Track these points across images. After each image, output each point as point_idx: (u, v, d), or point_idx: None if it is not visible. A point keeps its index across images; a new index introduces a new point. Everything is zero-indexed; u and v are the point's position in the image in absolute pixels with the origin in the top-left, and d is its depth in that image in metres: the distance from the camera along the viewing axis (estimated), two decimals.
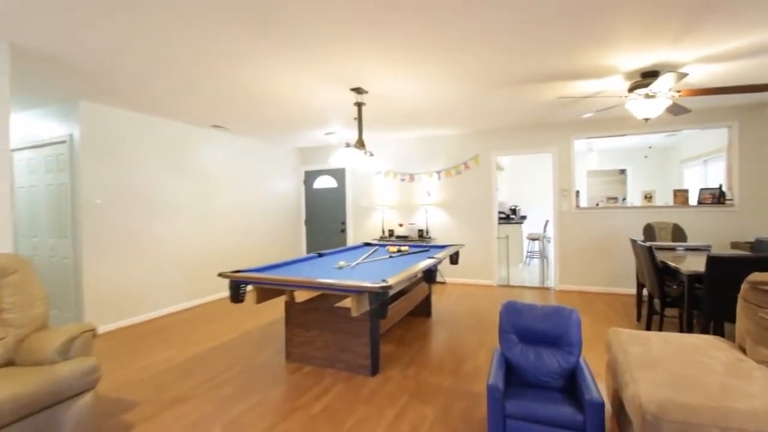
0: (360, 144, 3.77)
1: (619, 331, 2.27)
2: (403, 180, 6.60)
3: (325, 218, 7.27)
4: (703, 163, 6.59)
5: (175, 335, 3.97)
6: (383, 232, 6.69)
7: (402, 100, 4.20)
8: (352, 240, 7.01)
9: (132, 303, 4.42)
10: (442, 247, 4.56)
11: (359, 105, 3.82)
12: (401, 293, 3.70)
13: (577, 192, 5.61)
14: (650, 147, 8.18)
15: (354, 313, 2.49)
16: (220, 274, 2.91)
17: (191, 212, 5.21)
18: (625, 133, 5.30)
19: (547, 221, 8.30)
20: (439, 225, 6.36)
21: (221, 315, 4.67)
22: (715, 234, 4.92)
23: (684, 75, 2.81)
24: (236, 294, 2.88)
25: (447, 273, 6.35)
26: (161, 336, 3.96)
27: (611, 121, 5.36)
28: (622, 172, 9.19)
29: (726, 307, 2.75)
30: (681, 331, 3.23)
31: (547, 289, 5.73)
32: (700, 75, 3.53)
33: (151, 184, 4.67)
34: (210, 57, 2.95)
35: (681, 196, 5.16)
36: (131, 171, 4.46)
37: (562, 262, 5.64)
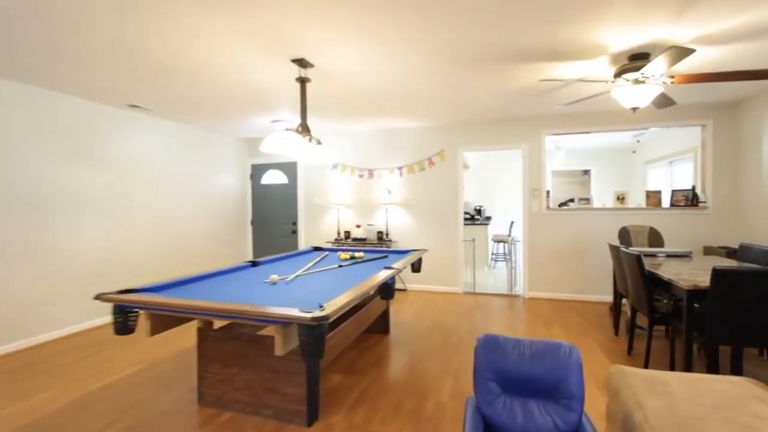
0: (304, 129, 3.08)
1: (626, 371, 1.75)
2: (361, 176, 5.95)
3: (274, 218, 6.48)
4: (669, 164, 6.45)
5: (59, 369, 3.08)
6: (339, 233, 6.00)
7: (355, 79, 3.55)
8: (304, 243, 6.27)
9: (6, 326, 3.47)
10: (404, 252, 3.96)
11: (303, 81, 3.12)
12: (351, 311, 3.05)
13: (548, 192, 5.21)
14: (634, 150, 8.03)
15: (278, 351, 1.81)
16: (97, 297, 2.12)
17: (101, 211, 4.28)
18: (599, 130, 4.95)
19: (512, 222, 7.96)
20: (401, 226, 5.77)
21: (125, 340, 3.81)
22: (688, 238, 4.66)
23: (689, 51, 2.36)
24: (123, 324, 2.10)
25: (408, 279, 5.78)
26: (40, 370, 3.07)
27: (585, 117, 4.99)
28: (586, 172, 9.06)
29: (734, 329, 2.32)
30: (672, 353, 2.81)
31: (516, 296, 5.29)
32: (691, 61, 3.14)
33: (41, 177, 3.72)
34: (104, 8, 2.16)
35: (654, 197, 4.87)
36: (11, 160, 3.50)
37: (532, 267, 5.23)
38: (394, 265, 2.97)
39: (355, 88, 3.78)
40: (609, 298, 4.93)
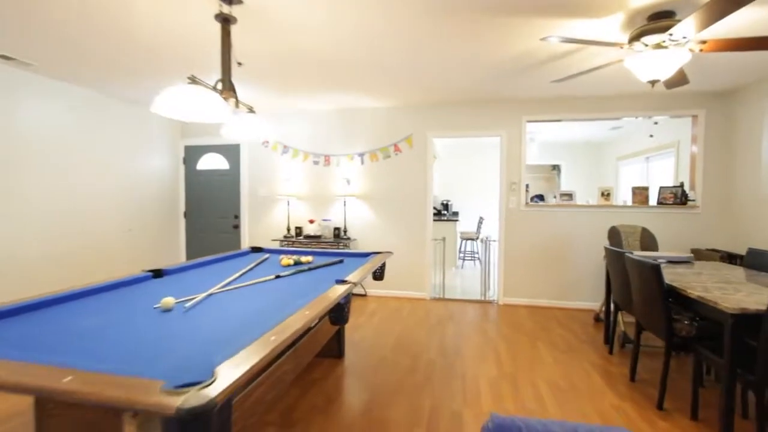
0: (226, 89, 2.21)
1: None
2: (316, 163, 5.10)
3: (212, 210, 5.49)
4: (645, 160, 6.12)
5: None
6: (289, 230, 5.13)
7: (297, 28, 2.71)
8: (247, 240, 5.34)
9: None
10: (364, 256, 3.20)
11: (225, 20, 2.24)
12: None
13: (527, 186, 4.64)
14: (586, 142, 7.70)
15: None
16: None
17: None
18: (585, 117, 4.43)
19: (480, 219, 7.43)
20: (361, 222, 5.00)
21: None
22: (676, 240, 4.26)
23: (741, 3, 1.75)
24: None
25: (370, 283, 5.03)
26: None
27: (570, 102, 4.44)
28: (554, 167, 8.72)
29: None
30: (695, 391, 2.26)
31: (490, 302, 4.70)
32: (720, 27, 2.59)
33: None
34: None
35: (641, 194, 4.43)
36: None
37: (508, 269, 4.65)
38: (348, 278, 2.20)
39: (299, 43, 2.94)
40: (591, 304, 4.45)
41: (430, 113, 4.78)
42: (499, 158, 4.65)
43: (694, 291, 2.15)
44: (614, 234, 3.85)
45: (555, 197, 4.67)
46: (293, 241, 4.88)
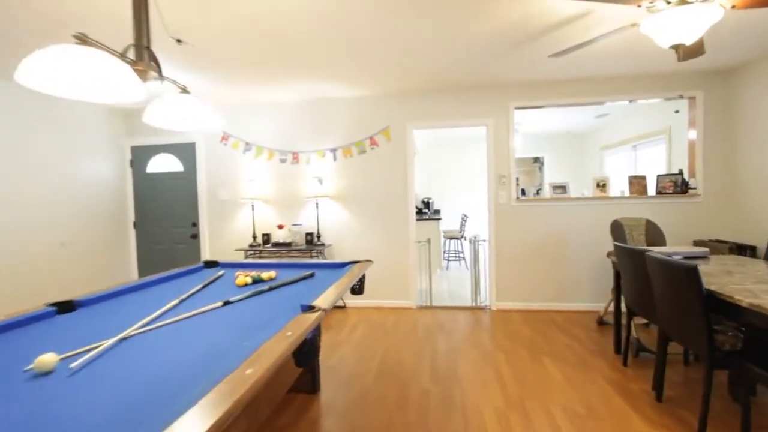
0: (142, 61, 1.66)
1: None
2: (283, 161, 4.55)
3: (166, 219, 4.84)
4: (632, 148, 5.86)
5: None
6: (255, 237, 4.55)
7: None
8: (208, 251, 4.73)
9: None
10: (340, 266, 2.69)
11: None
12: None
13: (517, 179, 4.24)
14: (568, 132, 7.43)
15: None
16: None
17: None
18: (577, 102, 4.06)
19: (464, 216, 7.04)
20: (337, 226, 4.48)
21: None
22: (678, 231, 3.95)
23: None
24: None
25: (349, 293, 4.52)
26: None
27: (562, 85, 4.07)
28: (536, 160, 8.44)
29: None
30: (746, 418, 1.87)
31: (482, 308, 4.27)
32: None
33: None
34: None
35: (638, 184, 4.10)
36: None
37: (500, 271, 4.24)
38: (317, 302, 1.69)
39: (245, 15, 2.40)
40: (591, 305, 4.10)
41: (409, 102, 4.31)
42: (486, 150, 4.23)
43: (743, 298, 1.76)
44: (616, 228, 3.49)
45: (538, 191, 4.27)
46: (260, 251, 4.31)
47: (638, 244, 3.42)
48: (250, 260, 3.35)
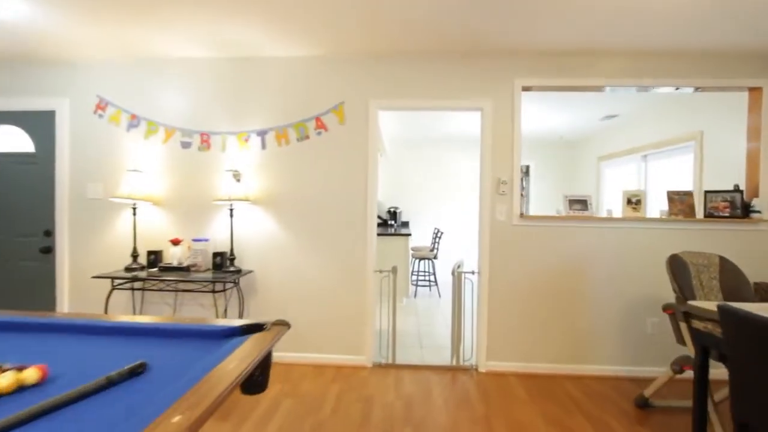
0: None
1: None
2: (186, 145, 3.10)
3: (6, 223, 3.23)
4: (642, 159, 4.87)
5: None
6: (136, 257, 3.04)
7: None
8: (66, 273, 3.16)
9: None
10: (218, 336, 1.33)
11: None
12: None
13: (522, 187, 3.03)
14: (561, 137, 6.42)
15: None
16: None
17: None
18: (613, 84, 2.92)
19: (437, 231, 5.81)
20: (262, 244, 3.08)
21: None
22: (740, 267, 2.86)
23: None
24: None
25: (278, 344, 3.11)
26: None
27: (592, 58, 2.91)
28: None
29: None
30: None
31: (467, 370, 3.00)
32: None
33: None
34: None
35: (681, 203, 3.00)
36: None
37: (493, 316, 2.99)
38: None
39: None
40: (617, 369, 2.93)
41: (374, 70, 3.01)
42: (481, 145, 3.00)
43: None
44: (678, 266, 2.33)
45: (522, 214, 3.09)
46: (143, 279, 2.81)
47: (710, 292, 2.27)
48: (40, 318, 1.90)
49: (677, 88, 2.95)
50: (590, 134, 6.04)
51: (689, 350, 2.09)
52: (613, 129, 5.42)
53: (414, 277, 5.95)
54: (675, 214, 2.97)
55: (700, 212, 3.01)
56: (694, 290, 2.26)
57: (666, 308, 2.23)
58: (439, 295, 5.45)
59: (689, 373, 2.13)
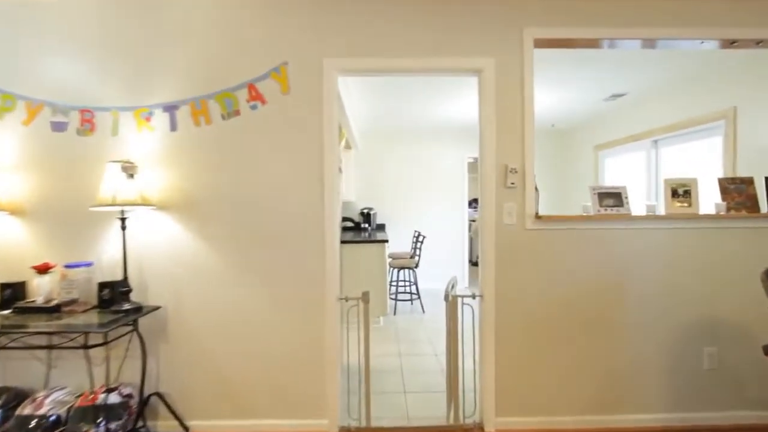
0: None
1: None
2: (59, 127, 2.13)
3: None
4: (653, 144, 4.21)
5: None
6: None
7: None
8: None
9: None
10: None
11: None
12: None
13: (535, 182, 2.23)
14: (553, 125, 5.74)
15: None
16: None
17: None
18: (635, 35, 2.17)
19: (417, 235, 5.00)
20: (173, 267, 2.15)
21: None
22: None
23: None
24: None
25: (197, 404, 2.19)
26: None
27: (617, 2, 2.15)
28: None
29: None
30: None
31: (468, 430, 2.18)
32: None
33: None
34: None
35: (739, 193, 2.29)
36: None
37: (502, 354, 2.19)
38: None
39: None
40: (670, 418, 2.18)
41: (331, 17, 2.14)
42: (480, 120, 2.19)
43: None
44: None
45: (537, 214, 2.32)
46: None
47: None
48: None
49: (733, 42, 2.23)
50: (586, 120, 5.37)
51: None
52: (615, 112, 4.76)
53: (393, 288, 5.12)
54: (734, 209, 2.26)
55: (764, 205, 2.31)
56: None
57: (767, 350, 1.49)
58: (423, 311, 4.64)
59: None
